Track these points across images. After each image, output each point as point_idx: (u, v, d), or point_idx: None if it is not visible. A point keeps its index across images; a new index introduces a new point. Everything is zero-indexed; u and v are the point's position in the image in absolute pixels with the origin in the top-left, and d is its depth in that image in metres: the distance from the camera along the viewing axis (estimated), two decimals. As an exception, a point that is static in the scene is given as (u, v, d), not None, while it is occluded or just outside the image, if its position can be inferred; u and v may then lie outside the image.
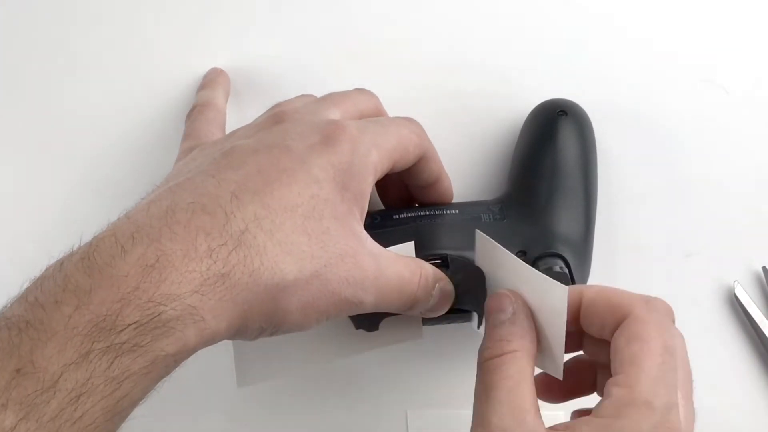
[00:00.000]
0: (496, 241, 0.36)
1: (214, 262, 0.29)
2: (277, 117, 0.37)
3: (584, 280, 0.40)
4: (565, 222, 0.40)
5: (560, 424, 0.33)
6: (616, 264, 0.45)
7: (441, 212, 0.40)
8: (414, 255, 0.37)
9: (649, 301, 0.34)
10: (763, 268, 0.45)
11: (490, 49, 0.47)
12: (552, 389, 0.39)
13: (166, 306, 0.28)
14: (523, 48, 0.46)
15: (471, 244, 0.38)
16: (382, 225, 0.40)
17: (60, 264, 0.29)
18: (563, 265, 0.38)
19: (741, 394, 0.46)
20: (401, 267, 0.35)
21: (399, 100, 0.41)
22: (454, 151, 0.40)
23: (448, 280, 0.37)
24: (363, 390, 0.46)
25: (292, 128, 0.35)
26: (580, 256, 0.40)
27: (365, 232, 0.34)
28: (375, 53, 0.47)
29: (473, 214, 0.40)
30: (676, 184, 0.46)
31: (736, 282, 0.45)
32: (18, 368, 0.26)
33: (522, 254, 0.38)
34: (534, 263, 0.38)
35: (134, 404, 0.28)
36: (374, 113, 0.40)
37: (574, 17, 0.46)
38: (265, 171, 0.32)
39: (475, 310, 0.39)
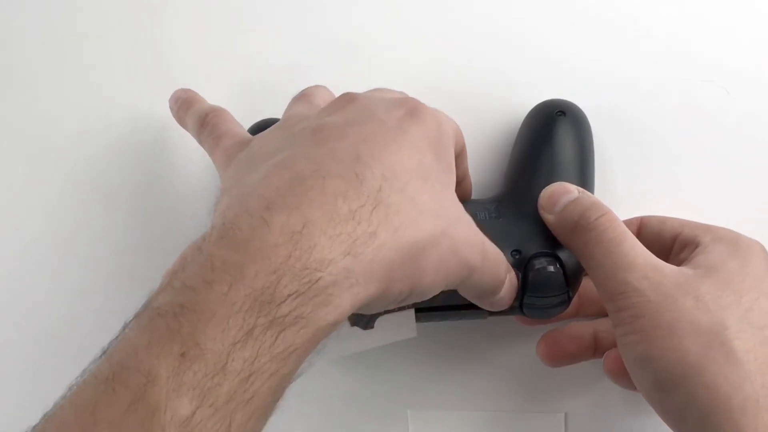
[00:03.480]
0: (491, 239, 0.36)
1: (359, 223, 0.28)
2: (348, 97, 0.35)
3: (578, 280, 0.40)
4: None
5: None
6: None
7: (436, 209, 0.40)
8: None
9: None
10: (765, 268, 0.45)
11: (489, 50, 0.47)
12: (554, 353, 0.41)
13: (323, 272, 0.27)
14: (522, 48, 0.47)
15: None
16: None
17: (198, 248, 0.27)
18: (557, 265, 0.38)
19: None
20: (493, 245, 0.35)
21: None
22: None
23: (515, 273, 0.37)
24: (363, 390, 0.46)
25: (372, 104, 0.34)
26: (574, 256, 0.40)
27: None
28: (372, 54, 0.47)
29: (469, 211, 0.40)
30: (676, 185, 0.46)
31: (737, 283, 0.45)
32: (183, 352, 0.24)
33: (517, 253, 0.38)
34: (528, 262, 0.38)
35: (292, 380, 0.28)
36: None
37: (573, 16, 0.46)
38: (370, 139, 0.31)
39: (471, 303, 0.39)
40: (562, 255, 0.38)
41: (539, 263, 0.38)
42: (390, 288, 0.29)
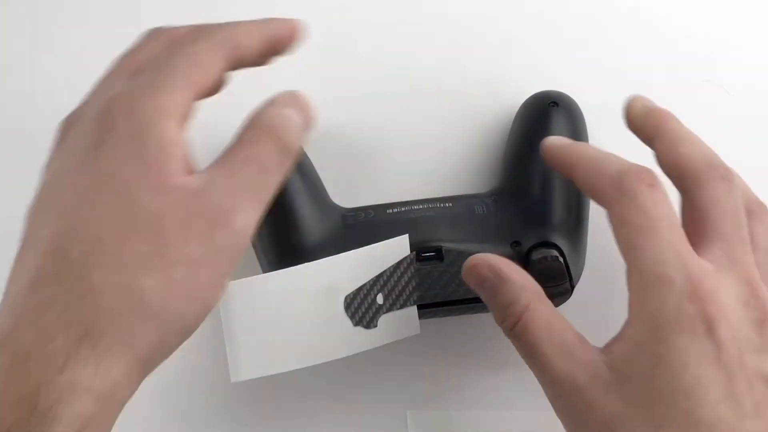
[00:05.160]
0: (490, 233, 0.36)
1: (69, 327, 0.27)
2: (68, 122, 0.33)
3: (579, 269, 0.40)
4: (558, 212, 0.40)
5: (613, 338, 0.32)
6: (613, 253, 0.45)
7: (434, 205, 0.41)
8: (408, 248, 0.38)
9: (621, 184, 0.33)
10: (763, 266, 0.45)
11: (481, 42, 0.47)
12: None
13: (39, 395, 0.26)
14: (515, 39, 0.47)
15: (465, 236, 0.38)
16: (376, 219, 0.41)
17: None
18: (558, 255, 0.38)
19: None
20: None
21: (389, 94, 0.42)
22: (447, 144, 0.40)
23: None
24: (363, 390, 0.46)
25: (72, 131, 0.32)
26: (575, 245, 0.40)
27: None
28: (365, 50, 0.48)
29: (467, 206, 0.40)
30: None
31: (736, 280, 0.45)
32: None
33: (516, 245, 0.39)
34: (528, 253, 0.38)
35: None
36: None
37: (569, 11, 0.47)
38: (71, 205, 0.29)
39: (474, 297, 0.38)
40: (562, 245, 0.38)
41: (538, 254, 0.38)
42: (162, 347, 0.29)
